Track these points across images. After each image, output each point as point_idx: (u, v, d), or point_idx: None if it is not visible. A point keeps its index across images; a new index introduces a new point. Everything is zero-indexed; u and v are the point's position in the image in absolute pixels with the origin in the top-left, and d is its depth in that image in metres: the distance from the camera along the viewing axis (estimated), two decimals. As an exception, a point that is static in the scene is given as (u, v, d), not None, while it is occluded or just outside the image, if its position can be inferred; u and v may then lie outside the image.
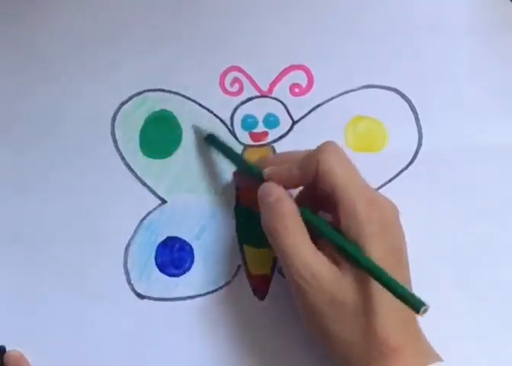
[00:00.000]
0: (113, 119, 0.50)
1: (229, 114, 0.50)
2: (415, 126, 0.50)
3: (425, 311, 0.38)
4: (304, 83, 0.50)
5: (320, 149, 0.44)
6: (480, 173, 0.50)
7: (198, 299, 0.49)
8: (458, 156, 0.50)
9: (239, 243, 0.49)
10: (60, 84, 0.50)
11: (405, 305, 0.39)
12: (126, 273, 0.49)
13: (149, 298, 0.49)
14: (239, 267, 0.49)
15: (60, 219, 0.49)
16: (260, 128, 0.50)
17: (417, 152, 0.50)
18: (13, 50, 0.50)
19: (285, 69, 0.50)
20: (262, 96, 0.50)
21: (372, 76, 0.50)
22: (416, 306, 0.39)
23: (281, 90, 0.50)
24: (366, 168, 0.49)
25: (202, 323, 0.49)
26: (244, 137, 0.50)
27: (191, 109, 0.50)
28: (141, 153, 0.50)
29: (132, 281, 0.49)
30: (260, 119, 0.50)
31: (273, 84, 0.50)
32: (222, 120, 0.50)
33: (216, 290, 0.49)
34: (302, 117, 0.50)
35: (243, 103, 0.50)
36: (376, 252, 0.41)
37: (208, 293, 0.49)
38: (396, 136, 0.50)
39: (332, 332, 0.42)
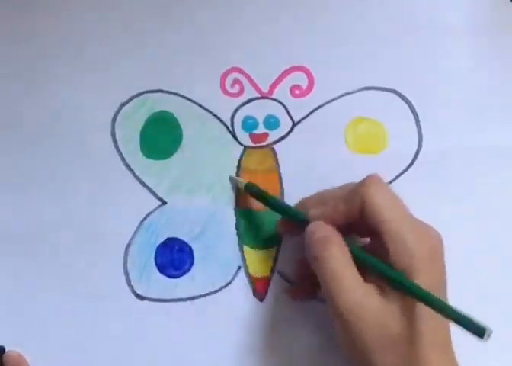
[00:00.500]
0: (114, 120, 0.50)
1: (230, 115, 0.50)
2: (415, 128, 0.50)
3: (489, 335, 0.38)
4: (304, 84, 0.50)
5: (364, 182, 0.44)
6: (480, 174, 0.50)
7: (198, 300, 0.49)
8: (458, 158, 0.50)
9: (239, 244, 0.49)
10: (60, 84, 0.50)
11: (466, 331, 0.39)
12: (126, 274, 0.49)
13: (149, 299, 0.49)
14: (239, 268, 0.49)
15: (60, 220, 0.49)
16: (261, 129, 0.50)
17: (417, 154, 0.50)
18: (13, 51, 0.50)
19: (285, 71, 0.50)
20: (262, 97, 0.50)
21: (373, 78, 0.50)
22: (479, 331, 0.38)
23: (281, 91, 0.50)
24: (366, 170, 0.49)
25: (201, 324, 0.48)
26: (245, 138, 0.50)
27: (191, 110, 0.50)
28: (141, 154, 0.50)
29: (131, 282, 0.49)
30: (261, 120, 0.50)
31: (273, 85, 0.50)
32: (222, 122, 0.50)
33: (215, 291, 0.49)
34: (303, 119, 0.50)
35: (243, 104, 0.50)
36: (425, 282, 0.41)
37: (208, 294, 0.49)
38: (396, 137, 0.50)
39: (375, 360, 0.41)
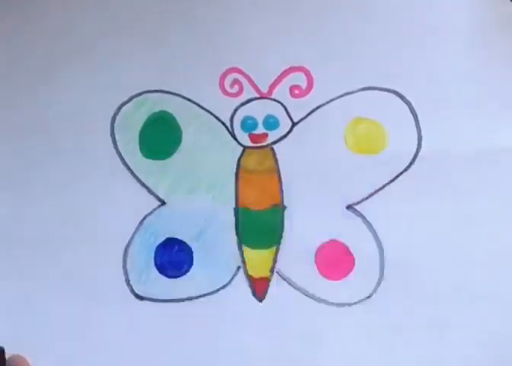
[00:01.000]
0: (113, 120, 0.50)
1: (229, 116, 0.50)
2: (415, 128, 0.50)
3: None
4: (304, 85, 0.50)
5: None
6: (479, 174, 0.50)
7: (197, 300, 0.49)
8: (457, 158, 0.50)
9: (238, 244, 0.49)
10: (60, 85, 0.50)
11: None
12: (126, 274, 0.49)
13: (148, 299, 0.49)
14: (238, 268, 0.49)
15: (60, 220, 0.49)
16: (260, 129, 0.50)
17: (416, 154, 0.50)
18: (13, 51, 0.50)
19: (285, 71, 0.50)
20: (262, 97, 0.50)
21: (372, 78, 0.50)
22: None
23: (281, 91, 0.50)
24: (366, 170, 0.49)
25: (201, 324, 0.49)
26: (244, 139, 0.50)
27: (191, 110, 0.50)
28: (140, 154, 0.50)
29: (131, 282, 0.49)
30: (260, 120, 0.50)
31: (272, 85, 0.50)
32: (221, 122, 0.50)
33: (215, 291, 0.49)
34: (302, 119, 0.50)
35: (243, 104, 0.50)
36: None
37: (207, 294, 0.49)
38: (396, 137, 0.50)
39: None
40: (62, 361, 0.48)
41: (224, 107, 0.50)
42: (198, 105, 0.50)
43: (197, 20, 0.51)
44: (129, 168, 0.50)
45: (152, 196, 0.50)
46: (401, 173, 0.50)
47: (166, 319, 0.49)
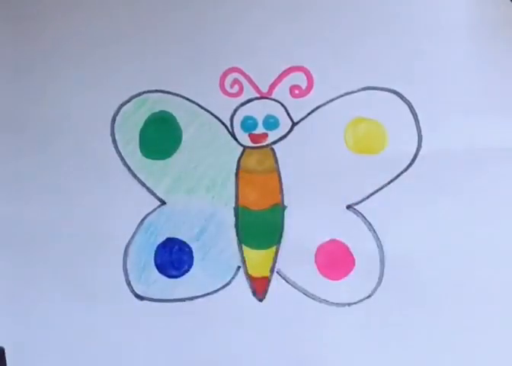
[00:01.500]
0: (113, 120, 0.50)
1: (229, 116, 0.50)
2: (415, 128, 0.50)
3: None
4: (304, 85, 0.50)
5: None
6: (479, 174, 0.50)
7: (197, 300, 0.49)
8: (457, 158, 0.50)
9: (238, 244, 0.49)
10: (60, 85, 0.50)
11: None
12: (126, 274, 0.49)
13: (148, 299, 0.49)
14: (238, 268, 0.49)
15: (60, 220, 0.49)
16: (260, 129, 0.50)
17: (416, 154, 0.50)
18: (13, 52, 0.50)
19: (285, 71, 0.50)
20: (262, 97, 0.50)
21: (372, 78, 0.50)
22: None
23: (281, 91, 0.50)
24: (366, 170, 0.49)
25: (201, 324, 0.49)
26: (244, 139, 0.50)
27: (191, 110, 0.50)
28: (140, 154, 0.50)
29: (131, 282, 0.49)
30: (260, 120, 0.50)
31: (272, 85, 0.50)
32: (221, 122, 0.50)
33: (215, 291, 0.49)
34: (302, 119, 0.50)
35: (243, 104, 0.50)
36: None
37: (207, 294, 0.49)
38: (396, 137, 0.50)
39: None
40: (62, 360, 0.48)
41: (224, 107, 0.50)
42: (198, 105, 0.50)
43: (198, 20, 0.51)
44: (129, 168, 0.50)
45: (152, 196, 0.50)
46: (401, 173, 0.50)
47: (166, 318, 0.49)
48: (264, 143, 0.50)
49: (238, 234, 0.49)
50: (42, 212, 0.49)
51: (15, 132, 0.50)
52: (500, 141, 0.50)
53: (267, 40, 0.50)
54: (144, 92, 0.50)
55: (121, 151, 0.50)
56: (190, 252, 0.49)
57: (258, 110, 0.50)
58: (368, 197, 0.50)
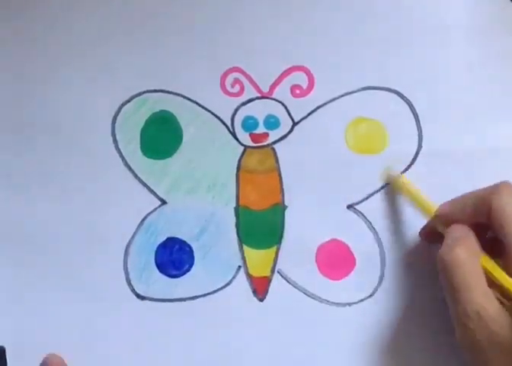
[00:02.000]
0: (114, 120, 0.50)
1: (230, 115, 0.50)
2: (415, 128, 0.50)
3: None
4: (305, 84, 0.50)
5: (496, 190, 0.44)
6: (480, 175, 0.50)
7: (198, 300, 0.49)
8: (458, 158, 0.50)
9: (239, 244, 0.49)
10: (60, 85, 0.50)
11: None
12: (126, 274, 0.49)
13: (149, 299, 0.49)
14: (239, 268, 0.49)
15: (60, 220, 0.49)
16: (261, 129, 0.50)
17: (417, 154, 0.50)
18: (13, 51, 0.50)
19: (286, 70, 0.50)
20: (263, 97, 0.50)
21: (373, 78, 0.50)
22: None
23: (282, 91, 0.50)
24: (367, 170, 0.49)
25: (202, 324, 0.49)
26: (245, 138, 0.50)
27: (192, 110, 0.50)
28: (141, 154, 0.50)
29: (132, 282, 0.49)
30: (261, 120, 0.50)
31: (273, 85, 0.50)
32: (222, 121, 0.50)
33: (215, 291, 0.49)
34: (303, 119, 0.50)
35: (244, 104, 0.50)
36: None
37: (208, 294, 0.49)
38: (396, 137, 0.50)
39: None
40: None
41: (225, 106, 0.50)
42: (199, 105, 0.50)
43: (198, 19, 0.51)
44: (129, 168, 0.50)
45: (152, 195, 0.50)
46: (401, 173, 0.50)
47: (167, 318, 0.49)
48: (265, 143, 0.50)
49: (238, 234, 0.49)
50: (42, 212, 0.49)
51: (14, 132, 0.50)
52: (500, 141, 0.50)
53: (268, 40, 0.50)
54: (145, 92, 0.50)
55: (122, 151, 0.50)
56: (191, 251, 0.49)
57: (259, 110, 0.50)
58: (368, 196, 0.50)
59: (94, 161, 0.50)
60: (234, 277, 0.49)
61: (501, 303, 0.42)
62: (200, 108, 0.50)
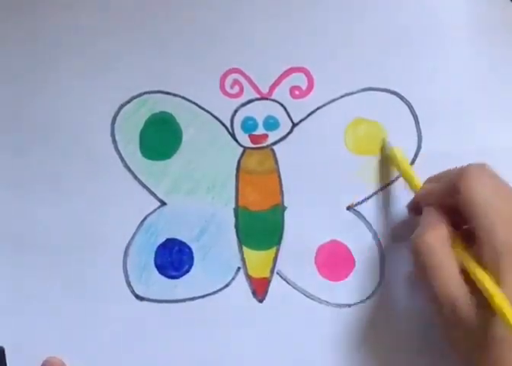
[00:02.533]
0: (113, 121, 0.50)
1: (229, 116, 0.50)
2: (415, 129, 0.50)
3: None
4: (304, 85, 0.50)
5: (464, 175, 0.43)
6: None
7: (197, 301, 0.49)
8: (457, 159, 0.50)
9: (239, 245, 0.49)
10: (60, 85, 0.50)
11: None
12: (126, 274, 0.49)
13: (148, 300, 0.49)
14: (238, 269, 0.49)
15: (60, 221, 0.49)
16: (260, 130, 0.50)
17: (416, 155, 0.50)
18: (12, 51, 0.50)
19: (285, 72, 0.50)
20: (262, 98, 0.50)
21: (372, 79, 0.50)
22: None
23: (281, 92, 0.50)
24: (366, 171, 0.49)
25: (201, 325, 0.49)
26: (244, 139, 0.50)
27: (191, 111, 0.50)
28: (141, 155, 0.50)
29: (131, 283, 0.49)
30: (260, 121, 0.50)
31: (273, 86, 0.50)
32: (221, 122, 0.50)
33: (215, 292, 0.49)
34: (302, 120, 0.50)
35: (243, 105, 0.50)
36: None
37: (207, 295, 0.49)
38: (396, 138, 0.50)
39: (470, 361, 0.42)
40: (63, 360, 0.48)
41: (224, 107, 0.50)
42: (198, 106, 0.50)
43: (197, 20, 0.51)
44: (129, 169, 0.50)
45: (152, 196, 0.50)
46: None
47: (166, 319, 0.49)
48: (264, 144, 0.50)
49: (238, 235, 0.49)
50: (41, 212, 0.49)
51: (14, 133, 0.50)
52: (500, 141, 0.50)
53: (268, 41, 0.50)
54: (144, 93, 0.50)
55: (121, 151, 0.50)
56: (190, 252, 0.49)
57: (258, 111, 0.50)
58: (368, 197, 0.50)
59: (94, 162, 0.50)
60: (233, 278, 0.49)
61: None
62: (199, 109, 0.50)
